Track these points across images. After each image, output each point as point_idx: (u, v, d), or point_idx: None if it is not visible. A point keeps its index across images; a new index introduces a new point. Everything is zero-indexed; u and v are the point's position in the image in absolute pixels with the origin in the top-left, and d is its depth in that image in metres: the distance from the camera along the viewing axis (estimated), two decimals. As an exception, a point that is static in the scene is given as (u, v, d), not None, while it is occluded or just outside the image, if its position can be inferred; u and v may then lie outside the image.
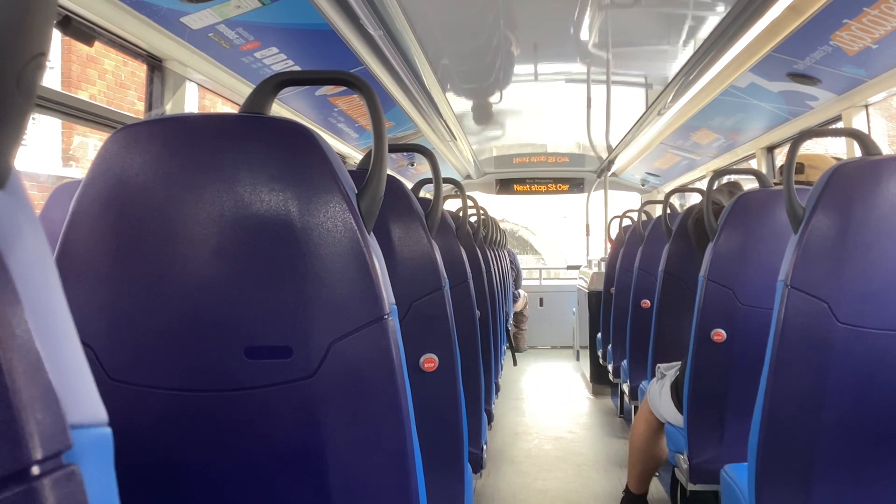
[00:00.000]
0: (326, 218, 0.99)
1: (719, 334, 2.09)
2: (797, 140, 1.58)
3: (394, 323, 1.02)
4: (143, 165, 1.00)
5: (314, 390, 0.98)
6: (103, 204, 0.99)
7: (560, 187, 8.03)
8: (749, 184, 3.05)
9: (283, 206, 0.98)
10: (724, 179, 2.85)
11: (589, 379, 5.65)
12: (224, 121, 1.03)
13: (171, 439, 1.00)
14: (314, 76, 1.15)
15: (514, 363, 5.33)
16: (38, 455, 0.34)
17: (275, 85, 1.08)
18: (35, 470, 0.33)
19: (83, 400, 0.40)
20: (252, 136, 1.01)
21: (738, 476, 1.76)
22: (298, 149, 1.00)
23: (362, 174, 1.11)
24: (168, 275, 0.98)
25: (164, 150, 1.00)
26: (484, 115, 5.42)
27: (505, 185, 8.04)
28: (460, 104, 4.89)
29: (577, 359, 6.73)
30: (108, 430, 0.42)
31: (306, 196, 0.99)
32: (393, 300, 1.05)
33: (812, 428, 1.39)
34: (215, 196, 0.98)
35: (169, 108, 2.47)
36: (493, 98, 4.88)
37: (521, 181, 8.03)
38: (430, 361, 1.75)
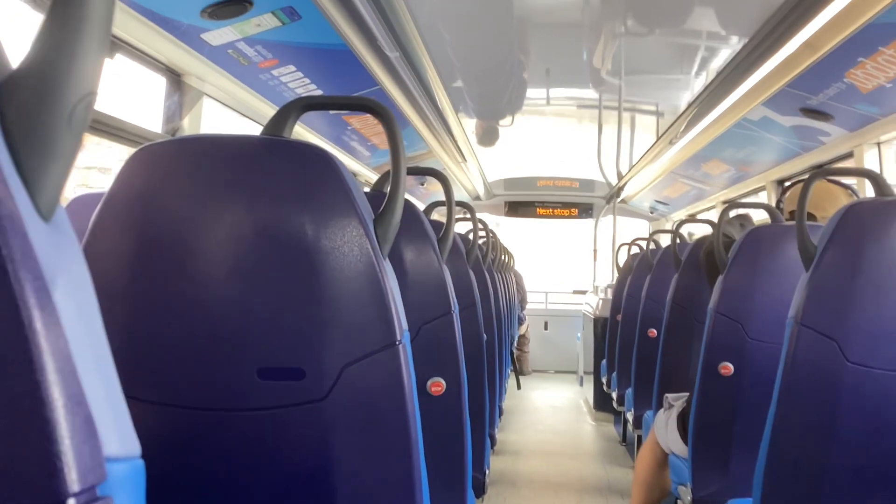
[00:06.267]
0: (343, 242, 0.99)
1: (727, 368, 2.08)
2: (810, 178, 1.58)
3: (406, 349, 1.03)
4: (164, 184, 1.01)
5: (325, 413, 0.99)
6: (124, 221, 1.00)
7: (569, 212, 8.03)
8: (758, 216, 3.06)
9: (301, 228, 0.99)
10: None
11: (592, 405, 5.62)
12: (246, 142, 1.05)
13: (183, 456, 1.01)
14: (337, 101, 1.16)
15: (518, 387, 5.31)
16: (75, 488, 0.34)
17: (298, 108, 1.09)
18: (71, 502, 0.34)
19: (120, 432, 0.40)
20: (273, 158, 1.02)
21: None
22: (317, 172, 1.01)
23: (376, 196, 1.11)
24: (185, 293, 0.99)
25: (185, 170, 1.02)
26: (495, 137, 5.43)
27: (514, 208, 8.04)
28: (471, 126, 4.91)
29: (581, 384, 6.71)
30: (141, 463, 0.43)
31: (324, 220, 0.99)
32: (406, 326, 1.05)
33: (818, 467, 1.38)
34: (234, 217, 0.99)
35: (186, 123, 2.49)
36: (505, 121, 4.90)
37: (531, 204, 8.03)
38: (437, 385, 1.74)
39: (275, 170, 1.01)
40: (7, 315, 0.33)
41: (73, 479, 0.34)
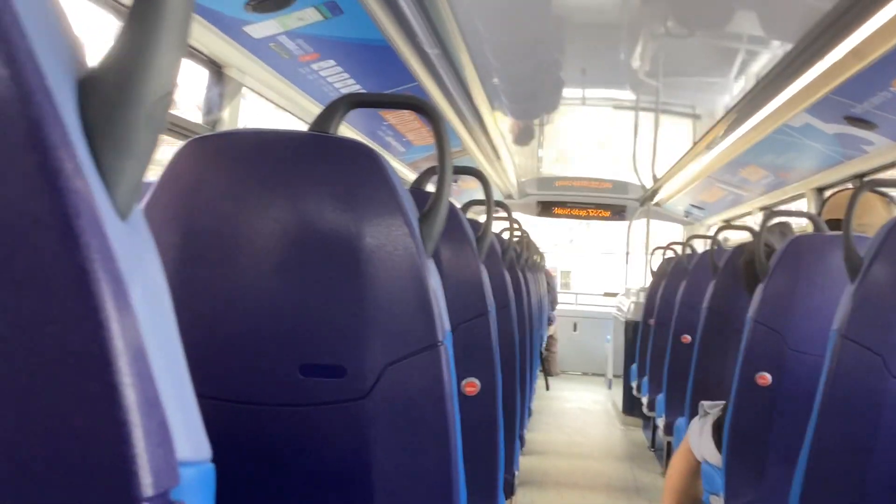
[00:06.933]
0: (388, 241, 0.99)
1: (764, 378, 2.05)
2: (858, 189, 1.54)
3: (448, 349, 1.02)
4: (212, 177, 1.01)
5: (365, 412, 0.99)
6: (170, 213, 1.01)
7: (601, 213, 7.96)
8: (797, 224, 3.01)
9: (346, 226, 0.99)
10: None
11: (620, 409, 5.59)
12: (294, 138, 1.05)
13: (222, 450, 1.01)
14: (385, 99, 1.16)
15: (547, 388, 5.29)
16: (149, 492, 0.34)
17: (346, 105, 1.09)
18: None
19: (192, 436, 0.40)
20: (320, 155, 1.02)
21: None
22: (364, 170, 1.01)
23: (416, 194, 1.11)
24: (229, 288, 0.99)
25: (233, 164, 1.02)
26: (529, 136, 5.41)
27: (546, 208, 7.99)
28: (506, 124, 4.89)
29: (609, 387, 6.67)
30: (212, 467, 0.42)
31: (369, 218, 0.99)
32: (448, 326, 1.05)
33: (858, 482, 1.35)
34: (280, 212, 0.99)
35: (226, 115, 2.50)
36: (540, 120, 4.87)
37: (563, 205, 7.96)
38: (471, 385, 1.74)
39: (322, 166, 1.01)
40: (85, 316, 0.33)
41: (147, 483, 0.34)
